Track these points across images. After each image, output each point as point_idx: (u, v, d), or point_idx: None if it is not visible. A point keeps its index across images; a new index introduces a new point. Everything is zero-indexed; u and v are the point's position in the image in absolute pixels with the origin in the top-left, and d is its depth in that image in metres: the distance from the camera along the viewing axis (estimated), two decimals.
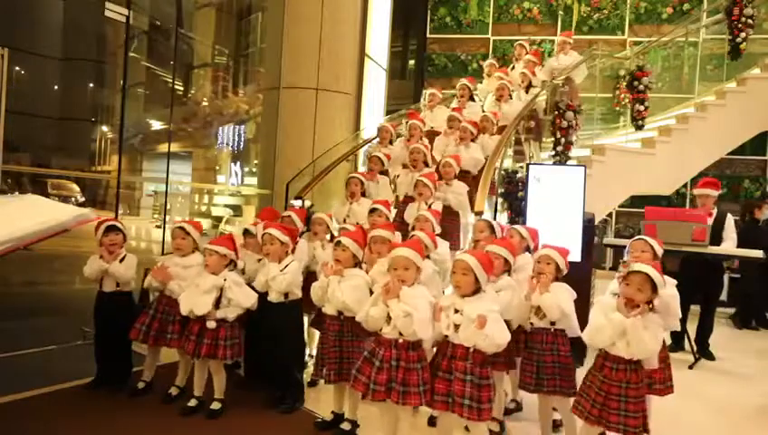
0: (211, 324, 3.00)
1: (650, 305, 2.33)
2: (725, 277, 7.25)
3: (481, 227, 3.39)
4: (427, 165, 4.80)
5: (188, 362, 3.30)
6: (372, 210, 3.73)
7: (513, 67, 6.92)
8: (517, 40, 7.95)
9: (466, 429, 2.91)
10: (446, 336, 2.43)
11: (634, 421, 2.27)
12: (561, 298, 2.70)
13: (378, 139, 5.69)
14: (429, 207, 4.06)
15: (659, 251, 2.87)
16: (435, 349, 2.56)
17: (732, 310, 6.60)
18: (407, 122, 5.75)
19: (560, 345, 2.73)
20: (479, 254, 2.51)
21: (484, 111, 5.67)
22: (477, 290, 2.43)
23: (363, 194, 4.49)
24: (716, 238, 4.68)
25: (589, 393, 2.40)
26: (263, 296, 3.19)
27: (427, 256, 3.10)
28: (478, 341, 2.32)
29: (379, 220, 3.59)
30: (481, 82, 6.95)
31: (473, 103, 6.17)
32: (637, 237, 2.97)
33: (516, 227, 3.43)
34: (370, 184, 4.63)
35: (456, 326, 2.38)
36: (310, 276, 3.47)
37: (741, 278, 6.71)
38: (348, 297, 2.80)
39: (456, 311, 2.40)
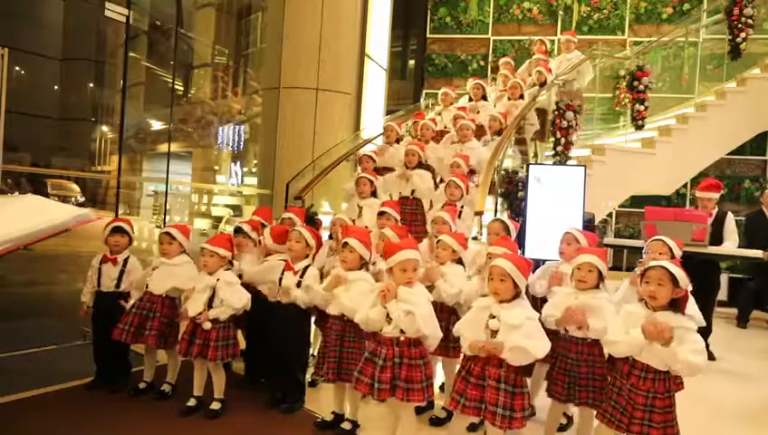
0: (206, 325, 2.99)
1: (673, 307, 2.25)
2: (725, 277, 7.27)
3: (496, 230, 3.34)
4: (421, 165, 4.83)
5: (177, 359, 3.31)
6: (381, 213, 3.72)
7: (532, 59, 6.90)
8: (518, 40, 7.97)
9: (469, 429, 2.91)
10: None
11: (656, 432, 2.18)
12: (608, 318, 2.49)
13: (384, 138, 5.70)
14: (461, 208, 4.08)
15: (678, 252, 2.84)
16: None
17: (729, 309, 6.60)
18: (414, 122, 5.77)
19: (596, 356, 2.60)
20: (515, 258, 2.45)
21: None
22: (516, 295, 2.39)
23: (374, 194, 4.51)
24: (717, 238, 4.68)
25: (618, 401, 2.32)
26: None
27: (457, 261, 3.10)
28: (515, 356, 2.28)
29: (388, 224, 3.58)
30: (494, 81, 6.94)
31: (485, 103, 6.17)
32: (655, 238, 2.92)
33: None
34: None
35: (494, 332, 2.34)
36: None
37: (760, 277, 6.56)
38: (354, 304, 2.76)
39: (493, 317, 2.36)
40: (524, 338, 2.27)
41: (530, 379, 3.18)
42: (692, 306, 2.70)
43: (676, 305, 2.25)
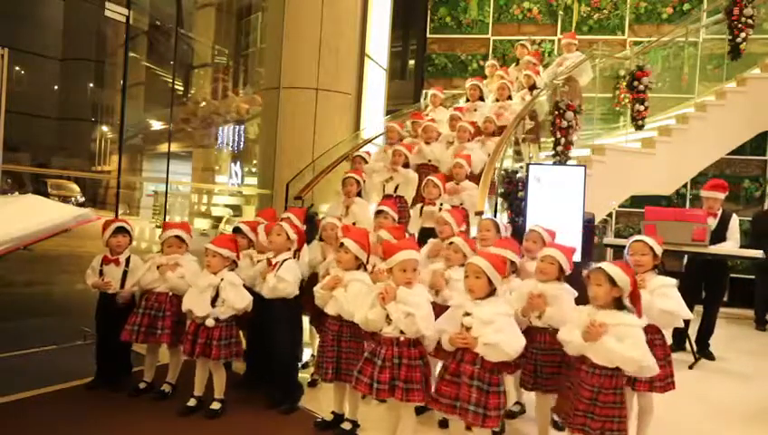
0: (210, 322, 2.99)
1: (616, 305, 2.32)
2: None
3: (486, 226, 3.37)
4: (407, 166, 4.89)
5: (179, 359, 3.31)
6: (379, 212, 3.71)
7: (518, 63, 6.94)
8: (518, 40, 7.95)
9: (468, 429, 2.91)
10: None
11: (595, 424, 2.24)
12: (565, 308, 2.62)
13: (386, 138, 5.72)
14: (440, 208, 4.09)
15: (659, 251, 2.85)
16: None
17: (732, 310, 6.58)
18: (412, 123, 5.78)
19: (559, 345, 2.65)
20: (491, 255, 2.46)
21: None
22: (491, 293, 2.40)
23: (359, 194, 4.53)
24: (721, 239, 4.67)
25: (568, 395, 2.38)
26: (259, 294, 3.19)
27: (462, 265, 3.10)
28: (487, 352, 2.29)
29: (386, 222, 3.57)
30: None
31: (482, 103, 6.20)
32: (636, 238, 2.92)
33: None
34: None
35: (468, 330, 2.35)
36: (312, 278, 3.47)
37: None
38: (350, 304, 2.77)
39: (467, 314, 2.38)
40: (495, 333, 2.29)
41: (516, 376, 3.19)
42: (677, 300, 2.75)
43: (621, 304, 2.33)
